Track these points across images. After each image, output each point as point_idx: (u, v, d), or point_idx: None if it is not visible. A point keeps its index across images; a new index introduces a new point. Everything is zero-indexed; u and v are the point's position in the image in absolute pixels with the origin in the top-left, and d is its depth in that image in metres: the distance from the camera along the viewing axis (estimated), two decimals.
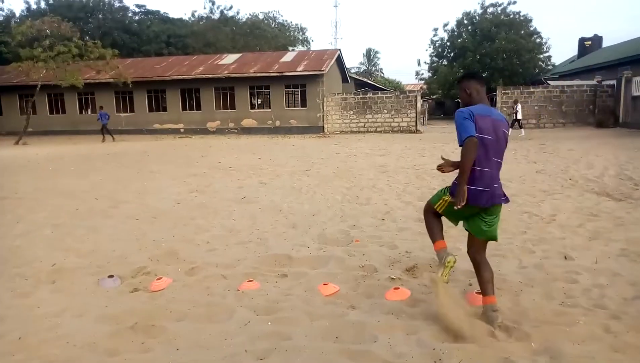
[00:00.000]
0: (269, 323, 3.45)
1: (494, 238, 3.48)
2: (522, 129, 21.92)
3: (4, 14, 43.19)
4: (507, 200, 3.40)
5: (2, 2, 30.27)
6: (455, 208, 3.23)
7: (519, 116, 21.90)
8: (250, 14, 51.94)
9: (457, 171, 3.27)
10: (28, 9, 46.39)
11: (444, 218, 3.58)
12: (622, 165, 10.81)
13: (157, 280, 4.26)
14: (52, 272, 4.59)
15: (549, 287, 3.92)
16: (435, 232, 3.55)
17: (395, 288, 3.92)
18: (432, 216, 3.58)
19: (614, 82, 25.59)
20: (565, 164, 11.42)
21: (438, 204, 3.49)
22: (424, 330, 3.24)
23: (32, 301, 3.94)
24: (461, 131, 3.15)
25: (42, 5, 46.08)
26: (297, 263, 4.76)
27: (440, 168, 3.58)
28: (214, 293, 4.02)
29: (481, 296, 3.42)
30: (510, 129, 22.03)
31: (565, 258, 4.69)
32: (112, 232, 6.09)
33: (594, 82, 26.54)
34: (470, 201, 3.19)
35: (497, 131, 3.26)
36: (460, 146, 3.15)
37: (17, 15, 45.30)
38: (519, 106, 22.11)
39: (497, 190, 3.29)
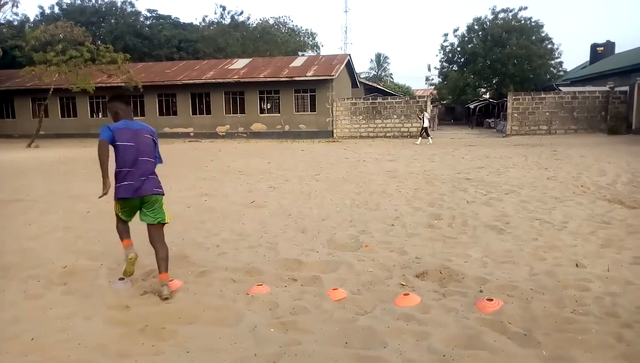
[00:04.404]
0: (279, 327, 3.46)
1: (162, 221, 4.20)
2: (429, 138, 22.96)
3: (18, 18, 43.80)
4: (161, 192, 4.20)
5: (17, 7, 30.59)
6: (99, 197, 4.06)
7: (425, 124, 23.34)
8: (260, 19, 52.18)
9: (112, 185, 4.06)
10: (42, 13, 47.21)
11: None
12: (635, 172, 10.71)
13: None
14: (64, 274, 4.64)
15: (560, 295, 3.89)
16: (122, 233, 4.28)
17: (405, 294, 3.91)
18: (120, 222, 4.29)
19: (626, 88, 25.36)
20: (577, 171, 11.33)
21: (115, 211, 4.24)
22: (435, 336, 3.23)
23: (45, 302, 3.98)
24: (100, 137, 4.00)
25: (56, 10, 46.81)
26: (307, 267, 4.77)
27: (104, 194, 4.07)
28: (223, 297, 4.03)
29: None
30: (420, 138, 22.59)
31: (577, 265, 4.65)
32: None
33: (607, 88, 26.33)
34: (123, 194, 4.02)
35: (139, 138, 4.10)
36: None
37: (32, 20, 46.00)
38: (426, 115, 23.97)
39: (147, 184, 4.09)
